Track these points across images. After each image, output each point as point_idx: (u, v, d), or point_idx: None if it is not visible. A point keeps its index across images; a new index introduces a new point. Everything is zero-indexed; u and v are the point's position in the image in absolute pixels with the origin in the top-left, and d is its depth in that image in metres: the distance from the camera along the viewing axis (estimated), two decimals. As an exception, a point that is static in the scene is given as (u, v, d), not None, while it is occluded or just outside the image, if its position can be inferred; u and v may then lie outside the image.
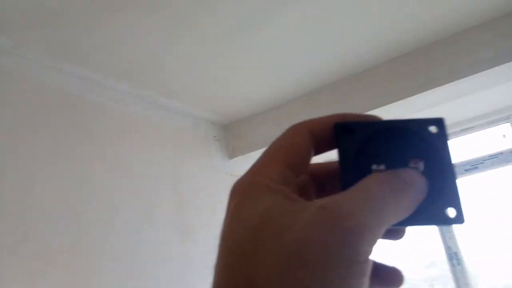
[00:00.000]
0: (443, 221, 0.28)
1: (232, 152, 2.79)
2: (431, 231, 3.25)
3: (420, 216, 0.28)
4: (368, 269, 0.24)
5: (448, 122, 0.30)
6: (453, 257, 3.11)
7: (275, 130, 2.51)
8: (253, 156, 2.67)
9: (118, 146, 2.10)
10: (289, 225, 0.24)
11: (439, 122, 0.31)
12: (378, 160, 0.29)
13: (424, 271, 3.66)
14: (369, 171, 0.29)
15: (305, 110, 2.59)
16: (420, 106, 2.40)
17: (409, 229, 0.30)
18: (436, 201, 0.28)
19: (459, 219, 0.28)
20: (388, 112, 2.34)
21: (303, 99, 2.63)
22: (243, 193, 0.28)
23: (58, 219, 1.72)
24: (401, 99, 2.29)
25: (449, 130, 0.29)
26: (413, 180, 0.28)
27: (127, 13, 1.68)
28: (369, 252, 0.24)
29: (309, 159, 0.31)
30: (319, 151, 0.31)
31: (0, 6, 1.55)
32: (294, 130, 0.31)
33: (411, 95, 2.26)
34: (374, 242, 0.24)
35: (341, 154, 0.30)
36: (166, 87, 2.29)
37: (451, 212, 0.28)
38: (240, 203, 0.27)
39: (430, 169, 0.29)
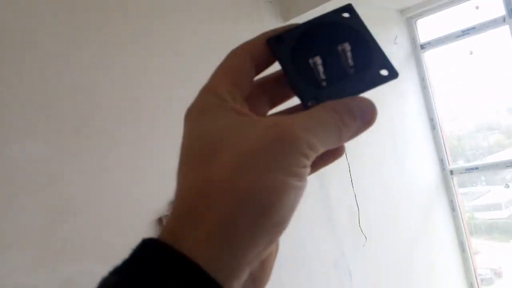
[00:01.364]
0: (381, 81, 0.32)
1: (287, 14, 2.59)
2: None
3: (362, 84, 0.32)
4: (307, 172, 0.29)
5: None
6: None
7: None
8: (311, 15, 2.51)
9: (164, 26, 2.07)
10: (244, 136, 0.28)
11: (348, 8, 0.35)
12: (312, 55, 0.33)
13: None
14: (309, 66, 0.32)
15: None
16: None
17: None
18: (370, 68, 0.32)
19: (393, 74, 0.32)
20: None
21: None
22: (197, 114, 0.31)
23: (113, 101, 1.82)
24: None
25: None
26: (361, 112, 0.31)
27: None
28: (308, 163, 0.28)
29: (251, 77, 0.33)
30: (261, 68, 0.34)
31: None
32: (233, 54, 0.33)
33: None
34: (312, 156, 0.28)
35: (280, 61, 0.33)
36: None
37: (384, 72, 0.32)
38: (196, 123, 0.30)
39: (357, 45, 0.33)
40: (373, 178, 2.97)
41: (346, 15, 0.34)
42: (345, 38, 0.33)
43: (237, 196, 0.26)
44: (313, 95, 0.31)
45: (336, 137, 0.30)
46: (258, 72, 0.34)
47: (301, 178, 0.28)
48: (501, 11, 3.25)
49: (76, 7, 1.77)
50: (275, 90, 0.36)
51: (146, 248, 0.27)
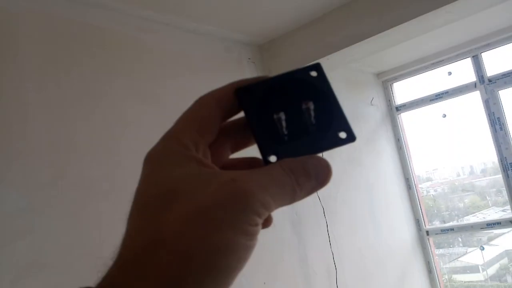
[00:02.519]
0: (339, 143, 0.33)
1: (269, 74, 2.65)
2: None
3: (321, 144, 0.33)
4: (258, 231, 0.29)
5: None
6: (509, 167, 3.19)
7: (312, 46, 2.45)
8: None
9: (148, 78, 2.09)
10: (201, 189, 0.28)
11: (316, 67, 0.36)
12: (277, 109, 0.33)
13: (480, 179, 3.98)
14: (273, 120, 0.33)
15: (343, 22, 2.44)
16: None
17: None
18: (330, 129, 0.33)
19: (351, 138, 0.33)
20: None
21: (340, 10, 2.46)
22: (158, 160, 0.30)
23: (92, 154, 1.78)
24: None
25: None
26: (316, 172, 0.32)
27: None
28: (260, 221, 0.29)
29: (217, 125, 0.34)
30: (228, 116, 0.35)
31: None
32: (202, 101, 0.34)
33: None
34: (265, 215, 0.29)
35: (246, 112, 0.34)
36: (193, 10, 2.16)
37: (342, 135, 0.33)
38: (156, 169, 0.30)
39: (320, 105, 0.34)
40: (350, 237, 2.96)
41: (314, 73, 0.35)
42: (310, 97, 0.34)
43: (185, 254, 0.26)
44: (273, 150, 0.32)
45: (290, 197, 0.31)
46: (224, 120, 0.35)
47: (252, 236, 0.28)
48: (472, 78, 3.41)
49: (62, 61, 1.78)
50: (239, 135, 0.37)
51: None
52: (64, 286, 1.56)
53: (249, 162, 0.37)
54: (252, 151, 0.38)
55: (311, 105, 0.33)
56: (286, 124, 0.33)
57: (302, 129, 0.33)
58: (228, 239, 0.27)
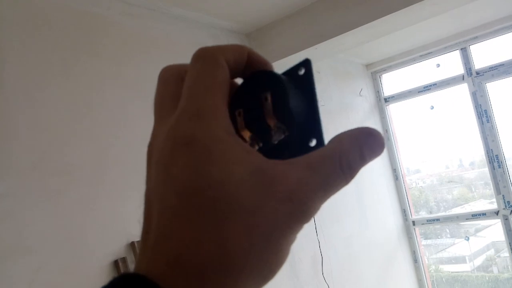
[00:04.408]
0: (306, 150, 0.29)
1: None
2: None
3: (291, 151, 0.29)
4: None
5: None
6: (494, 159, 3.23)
7: (300, 36, 2.46)
8: (280, 65, 2.60)
9: (132, 63, 2.07)
10: (262, 206, 0.25)
11: (306, 63, 0.30)
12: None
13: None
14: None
15: (331, 12, 2.46)
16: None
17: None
18: (304, 134, 0.29)
19: (320, 146, 0.30)
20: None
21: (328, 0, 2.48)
22: (205, 150, 0.26)
23: (74, 139, 1.77)
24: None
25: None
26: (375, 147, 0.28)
27: None
28: None
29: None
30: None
31: None
32: (215, 61, 0.29)
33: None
34: None
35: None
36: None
37: (312, 142, 0.29)
38: (207, 162, 0.26)
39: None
40: (337, 225, 2.99)
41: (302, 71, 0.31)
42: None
43: (255, 277, 0.26)
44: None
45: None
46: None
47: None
48: (461, 70, 3.44)
49: (43, 44, 1.77)
50: None
51: None
52: (44, 270, 1.57)
53: None
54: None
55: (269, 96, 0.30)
56: None
57: None
58: (287, 254, 0.27)
